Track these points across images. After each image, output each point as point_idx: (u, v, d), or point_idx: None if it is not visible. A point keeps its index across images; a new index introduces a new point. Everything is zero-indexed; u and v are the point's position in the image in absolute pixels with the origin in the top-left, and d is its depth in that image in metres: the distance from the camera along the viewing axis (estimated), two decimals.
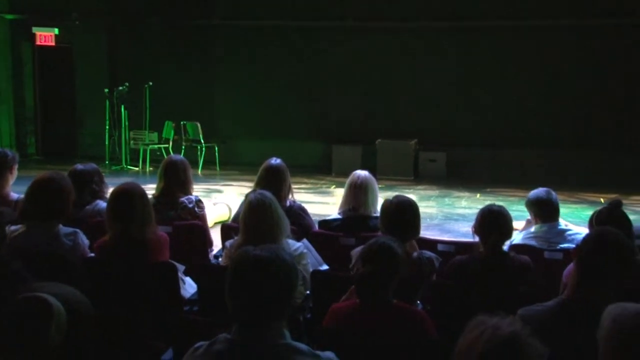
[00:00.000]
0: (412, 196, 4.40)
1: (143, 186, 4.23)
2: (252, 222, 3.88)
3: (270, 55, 14.53)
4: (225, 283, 2.11)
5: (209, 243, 5.11)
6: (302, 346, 2.10)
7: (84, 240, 4.12)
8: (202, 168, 13.70)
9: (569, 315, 2.64)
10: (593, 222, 3.87)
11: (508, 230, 3.92)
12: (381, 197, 4.63)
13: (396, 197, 4.16)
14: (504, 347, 1.74)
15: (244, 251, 2.15)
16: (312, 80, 14.41)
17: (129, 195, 4.01)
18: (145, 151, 14.00)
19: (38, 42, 15.16)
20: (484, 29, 13.59)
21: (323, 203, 10.03)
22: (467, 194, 11.65)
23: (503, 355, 1.74)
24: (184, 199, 5.17)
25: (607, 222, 3.60)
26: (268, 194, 4.05)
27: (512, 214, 4.05)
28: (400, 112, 14.01)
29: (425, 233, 4.73)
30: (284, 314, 2.10)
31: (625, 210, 3.97)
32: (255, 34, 14.58)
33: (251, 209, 3.92)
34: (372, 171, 5.49)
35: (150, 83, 14.11)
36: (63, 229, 4.06)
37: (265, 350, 2.04)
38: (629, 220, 3.80)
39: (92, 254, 4.12)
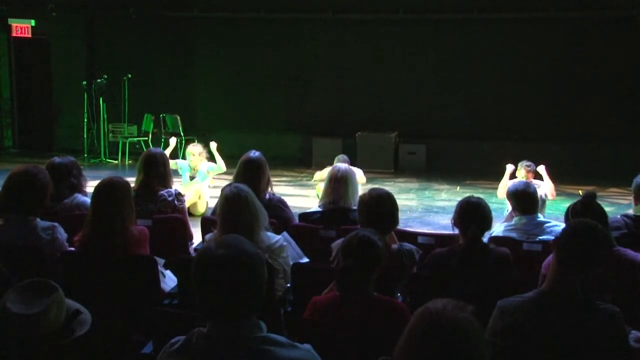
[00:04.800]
0: (392, 189, 4.40)
1: None
2: (229, 215, 3.86)
3: (249, 48, 14.47)
4: (192, 282, 2.08)
5: (189, 236, 5.09)
6: (280, 338, 2.09)
7: (62, 234, 4.08)
8: None
9: (548, 306, 2.66)
10: (569, 215, 3.91)
11: (487, 222, 3.93)
12: (362, 190, 4.63)
13: (373, 189, 4.17)
14: (449, 334, 1.71)
15: (206, 251, 2.10)
16: (292, 73, 14.37)
17: (115, 189, 3.98)
18: (124, 144, 13.91)
19: (14, 34, 14.96)
20: (461, 22, 13.64)
21: (303, 196, 10.02)
22: (446, 186, 11.71)
23: (448, 343, 1.71)
24: (163, 192, 5.16)
25: (582, 214, 3.64)
26: (244, 186, 4.02)
27: (491, 206, 4.08)
28: (380, 105, 14.02)
29: (405, 226, 4.75)
30: (257, 307, 2.08)
31: (602, 202, 4.01)
32: (235, 26, 14.51)
33: (227, 202, 3.90)
34: (352, 164, 5.50)
35: (129, 75, 14.01)
36: (41, 223, 4.02)
37: (242, 344, 2.03)
38: (604, 212, 3.83)
39: (71, 248, 4.08)
